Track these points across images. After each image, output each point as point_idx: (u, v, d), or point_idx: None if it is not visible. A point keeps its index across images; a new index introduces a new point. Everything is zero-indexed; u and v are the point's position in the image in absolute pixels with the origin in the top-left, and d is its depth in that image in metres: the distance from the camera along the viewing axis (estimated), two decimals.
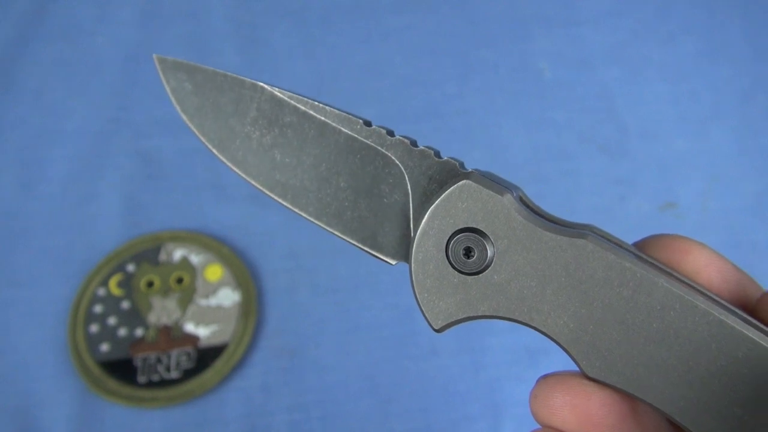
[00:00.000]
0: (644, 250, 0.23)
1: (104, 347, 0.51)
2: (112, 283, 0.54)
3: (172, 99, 0.24)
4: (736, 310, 0.20)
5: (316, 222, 0.24)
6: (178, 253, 0.55)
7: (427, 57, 0.67)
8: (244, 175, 0.24)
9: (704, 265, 0.22)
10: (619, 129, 0.63)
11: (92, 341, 0.51)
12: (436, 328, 0.22)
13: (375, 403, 0.50)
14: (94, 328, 0.52)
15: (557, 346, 0.21)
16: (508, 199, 0.21)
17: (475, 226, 0.21)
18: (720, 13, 0.69)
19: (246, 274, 0.54)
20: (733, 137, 0.63)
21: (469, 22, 0.69)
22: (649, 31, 0.69)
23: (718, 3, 0.70)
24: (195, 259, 0.55)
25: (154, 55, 0.24)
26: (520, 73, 0.66)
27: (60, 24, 0.68)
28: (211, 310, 0.53)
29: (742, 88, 0.65)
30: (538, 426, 0.22)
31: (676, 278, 0.21)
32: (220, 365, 0.51)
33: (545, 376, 0.22)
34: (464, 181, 0.21)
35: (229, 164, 0.24)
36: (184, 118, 0.24)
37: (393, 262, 0.24)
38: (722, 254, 0.22)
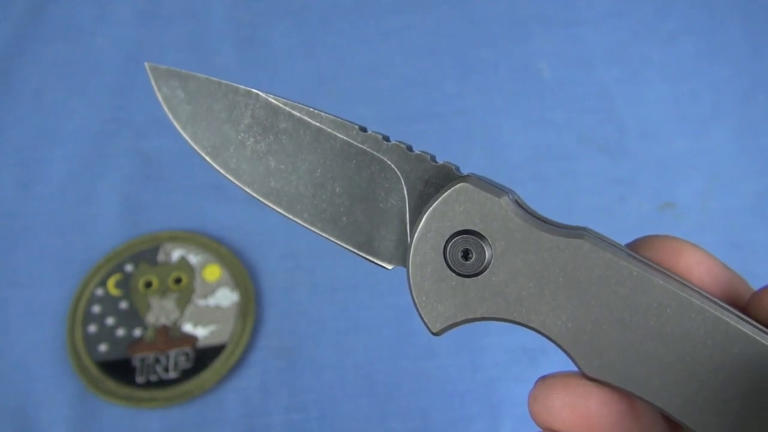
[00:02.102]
0: (637, 251, 0.23)
1: (102, 347, 0.51)
2: (111, 283, 0.54)
3: (164, 107, 0.24)
4: (729, 308, 0.20)
5: (311, 228, 0.24)
6: (176, 254, 0.55)
7: (427, 57, 0.67)
8: (237, 183, 0.24)
9: (695, 264, 0.22)
10: (619, 129, 0.63)
11: (90, 341, 0.51)
12: (434, 331, 0.22)
13: (373, 402, 0.50)
14: (92, 328, 0.52)
15: (555, 346, 0.21)
16: (505, 201, 0.21)
17: (472, 228, 0.21)
18: (720, 13, 0.69)
19: (244, 274, 0.54)
20: (733, 137, 0.62)
21: (468, 22, 0.69)
22: (649, 31, 0.69)
23: (718, 3, 0.70)
24: (193, 259, 0.55)
25: (146, 64, 0.24)
26: (519, 73, 0.66)
27: (60, 24, 0.68)
28: (210, 311, 0.53)
29: (742, 88, 0.65)
30: (536, 427, 0.22)
31: (671, 277, 0.21)
32: (218, 365, 0.51)
33: (543, 378, 0.22)
34: (461, 184, 0.22)
35: (222, 172, 0.24)
36: (177, 126, 0.24)
37: (389, 266, 0.24)
38: (713, 254, 0.23)
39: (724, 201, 0.59)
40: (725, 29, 0.68)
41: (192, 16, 0.69)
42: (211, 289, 0.53)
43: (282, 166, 0.24)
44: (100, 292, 0.53)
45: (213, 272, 0.54)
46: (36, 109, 0.64)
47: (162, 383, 0.50)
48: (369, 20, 0.69)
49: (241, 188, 0.24)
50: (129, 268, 0.54)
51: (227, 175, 0.24)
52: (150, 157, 0.61)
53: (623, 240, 0.23)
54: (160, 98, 0.24)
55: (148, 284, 0.54)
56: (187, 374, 0.50)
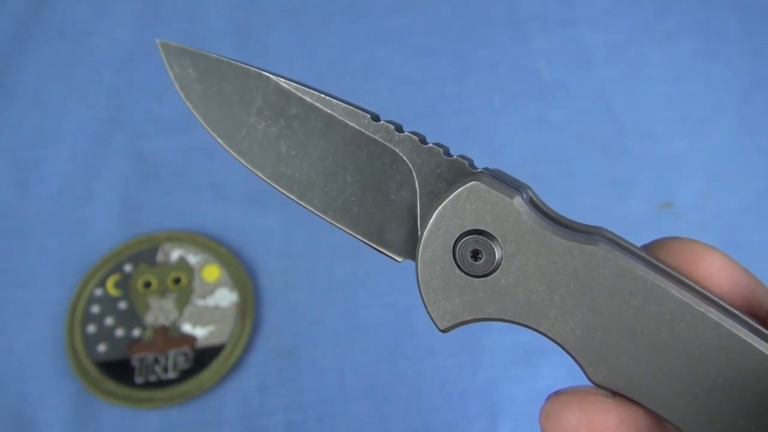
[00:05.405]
0: (654, 253, 0.22)
1: (101, 348, 0.51)
2: (110, 283, 0.53)
3: (176, 86, 0.24)
4: (747, 320, 0.20)
5: (322, 216, 0.24)
6: (175, 254, 0.55)
7: (426, 57, 0.67)
8: (249, 166, 0.24)
9: (716, 270, 0.21)
10: (618, 128, 0.63)
11: (89, 342, 0.51)
12: (442, 328, 0.22)
13: (372, 403, 0.50)
14: (91, 328, 0.52)
15: (555, 347, 0.21)
16: (517, 201, 0.21)
17: (483, 228, 0.21)
18: (719, 12, 0.69)
19: (243, 275, 0.54)
20: (732, 137, 0.62)
21: (467, 22, 0.69)
22: (648, 31, 0.69)
23: (716, 2, 0.70)
24: (192, 259, 0.54)
25: (157, 40, 0.24)
26: (518, 72, 0.66)
27: (58, 23, 0.68)
28: (209, 311, 0.53)
29: (741, 88, 0.65)
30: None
31: (688, 286, 0.20)
32: (217, 366, 0.50)
33: (557, 393, 0.21)
34: (473, 183, 0.21)
35: (234, 155, 0.24)
36: (189, 105, 0.24)
37: (399, 259, 0.23)
38: (734, 259, 0.22)
39: (723, 201, 0.59)
40: (724, 28, 0.68)
41: (190, 16, 0.69)
42: (210, 290, 0.53)
43: (293, 152, 0.23)
44: (99, 292, 0.53)
45: (212, 272, 0.54)
46: (34, 108, 0.63)
47: (161, 383, 0.50)
48: (367, 20, 0.69)
49: (253, 172, 0.24)
50: (128, 268, 0.54)
51: (240, 159, 0.24)
52: (148, 156, 0.61)
53: (631, 241, 0.23)
54: (172, 77, 0.24)
55: (147, 284, 0.54)
56: (186, 374, 0.50)
